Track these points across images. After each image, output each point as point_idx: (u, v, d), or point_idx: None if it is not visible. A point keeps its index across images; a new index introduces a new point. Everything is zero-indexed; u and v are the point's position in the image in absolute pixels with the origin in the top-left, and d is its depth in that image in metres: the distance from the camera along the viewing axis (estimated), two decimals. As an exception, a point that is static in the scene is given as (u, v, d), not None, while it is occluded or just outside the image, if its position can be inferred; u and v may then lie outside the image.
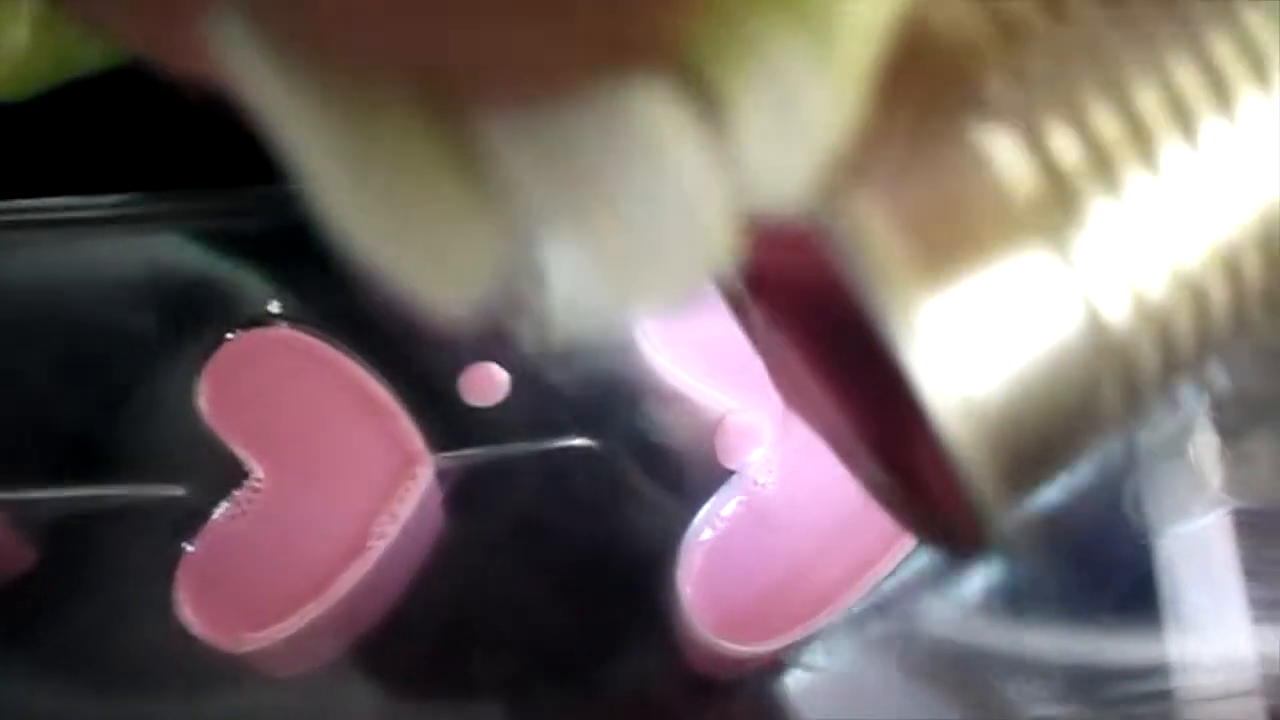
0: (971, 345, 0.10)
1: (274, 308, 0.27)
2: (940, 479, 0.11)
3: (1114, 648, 0.27)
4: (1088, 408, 0.11)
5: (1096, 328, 0.10)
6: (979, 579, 0.27)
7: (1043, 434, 0.11)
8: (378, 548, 0.25)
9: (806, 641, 0.25)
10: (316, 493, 0.26)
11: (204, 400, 0.26)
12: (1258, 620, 0.28)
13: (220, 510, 0.25)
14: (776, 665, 0.25)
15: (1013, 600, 0.27)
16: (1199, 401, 0.28)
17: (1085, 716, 0.26)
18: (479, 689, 0.26)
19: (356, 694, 0.26)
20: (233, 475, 0.25)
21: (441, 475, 0.26)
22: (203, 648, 0.24)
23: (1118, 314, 0.11)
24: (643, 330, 0.27)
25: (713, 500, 0.26)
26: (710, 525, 0.25)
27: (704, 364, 0.27)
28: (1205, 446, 0.29)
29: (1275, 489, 0.28)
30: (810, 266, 0.11)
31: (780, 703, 0.26)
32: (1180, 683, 0.27)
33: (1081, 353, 0.10)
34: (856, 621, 0.26)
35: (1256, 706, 0.28)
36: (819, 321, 0.13)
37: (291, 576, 0.25)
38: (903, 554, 0.26)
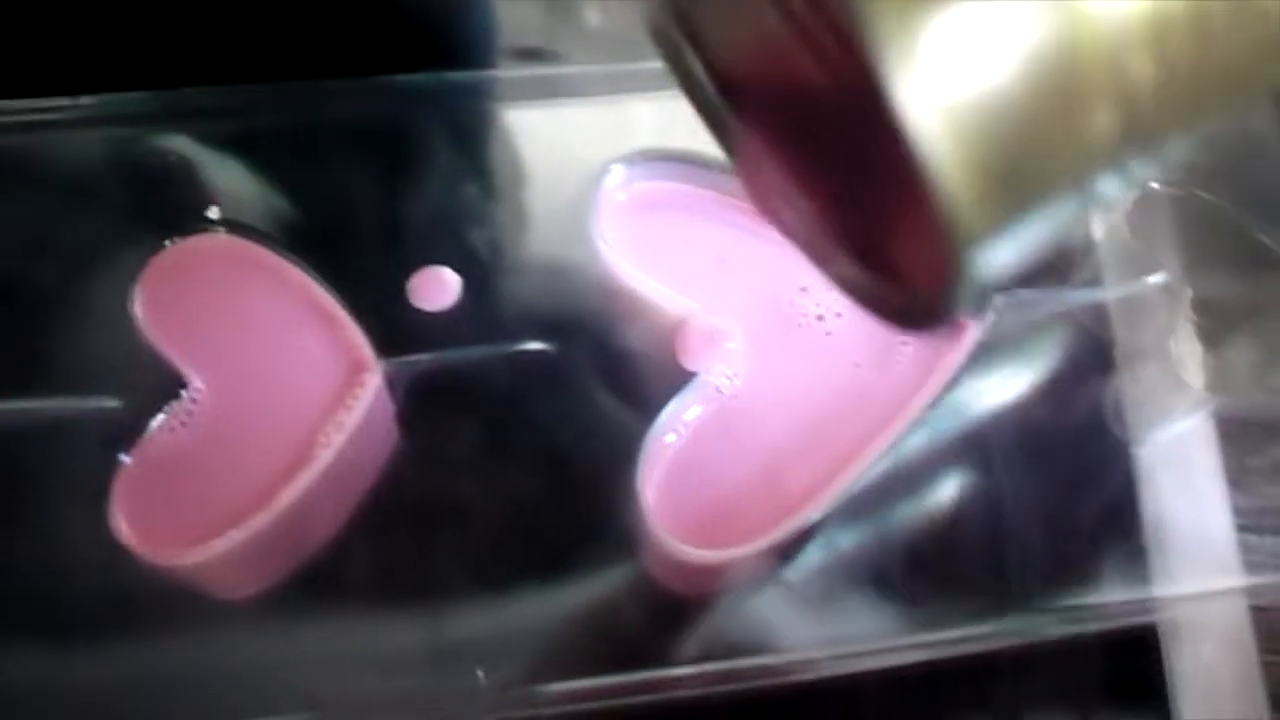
0: (949, 52, 0.09)
1: (213, 213, 0.26)
2: (915, 249, 0.10)
3: (1095, 557, 0.26)
4: (1070, 128, 0.10)
5: (1083, 26, 0.09)
6: (955, 485, 0.26)
7: (1023, 152, 0.10)
8: (323, 458, 0.24)
9: (773, 551, 0.24)
10: (258, 403, 0.24)
11: (140, 309, 0.25)
12: (1241, 530, 0.27)
13: (157, 422, 0.24)
14: (745, 580, 0.24)
15: (991, 509, 0.26)
16: (1178, 299, 0.27)
17: (1066, 627, 0.25)
18: (438, 604, 0.25)
19: (310, 612, 0.25)
20: (170, 386, 0.24)
21: (392, 383, 0.25)
22: (141, 566, 0.23)
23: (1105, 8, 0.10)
24: (599, 230, 0.26)
25: (674, 404, 0.24)
26: (673, 430, 0.24)
27: (664, 265, 0.26)
28: (1186, 353, 0.28)
29: (1256, 395, 0.28)
30: (788, 71, 0.11)
31: (750, 618, 0.25)
32: (1162, 593, 0.26)
33: (1066, 60, 0.09)
34: (826, 531, 0.25)
35: (1239, 613, 0.27)
36: (796, 122, 0.13)
37: (232, 489, 0.24)
38: (874, 458, 0.25)
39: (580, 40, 0.30)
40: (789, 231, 0.15)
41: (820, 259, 0.14)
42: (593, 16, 0.33)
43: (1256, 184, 0.30)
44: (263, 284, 0.25)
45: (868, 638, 0.24)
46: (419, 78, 0.26)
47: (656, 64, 0.26)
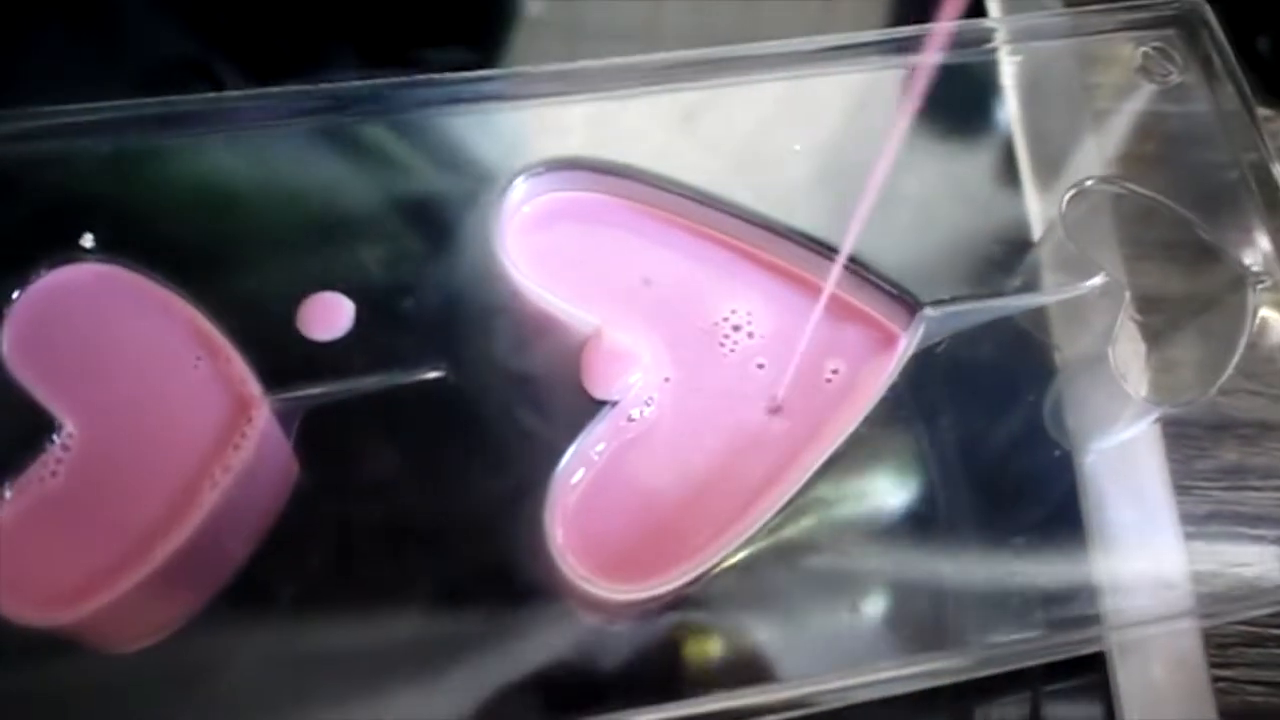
0: None
1: (87, 242, 0.24)
2: None
3: (1037, 571, 0.25)
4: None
5: None
6: (889, 503, 0.25)
7: None
8: (208, 502, 0.22)
9: (692, 584, 0.23)
10: (138, 446, 0.23)
11: (5, 346, 0.23)
12: (1190, 538, 0.26)
13: (27, 471, 0.22)
14: (663, 609, 0.23)
15: (927, 524, 0.25)
16: (1119, 300, 0.26)
17: (1008, 642, 0.24)
18: (343, 647, 0.23)
19: (207, 658, 0.23)
20: (40, 430, 0.23)
21: (284, 418, 0.23)
22: (15, 626, 0.22)
23: None
24: (503, 247, 0.24)
25: (585, 435, 0.23)
26: (583, 463, 0.23)
27: (574, 283, 0.24)
28: (1129, 355, 0.27)
29: (1202, 395, 0.27)
30: None
31: (671, 647, 0.24)
32: (1108, 606, 0.25)
33: None
34: (750, 558, 0.23)
35: (1188, 628, 0.26)
36: None
37: (112, 539, 0.22)
38: (796, 485, 0.23)
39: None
40: None
41: None
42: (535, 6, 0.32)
43: (1199, 172, 0.29)
44: (141, 317, 0.24)
45: (792, 677, 0.23)
46: (306, 89, 0.24)
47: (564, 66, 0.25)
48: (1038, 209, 0.28)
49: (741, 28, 0.28)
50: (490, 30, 0.28)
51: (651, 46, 0.28)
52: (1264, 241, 0.27)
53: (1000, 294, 0.26)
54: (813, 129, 0.27)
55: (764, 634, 0.23)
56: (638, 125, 0.27)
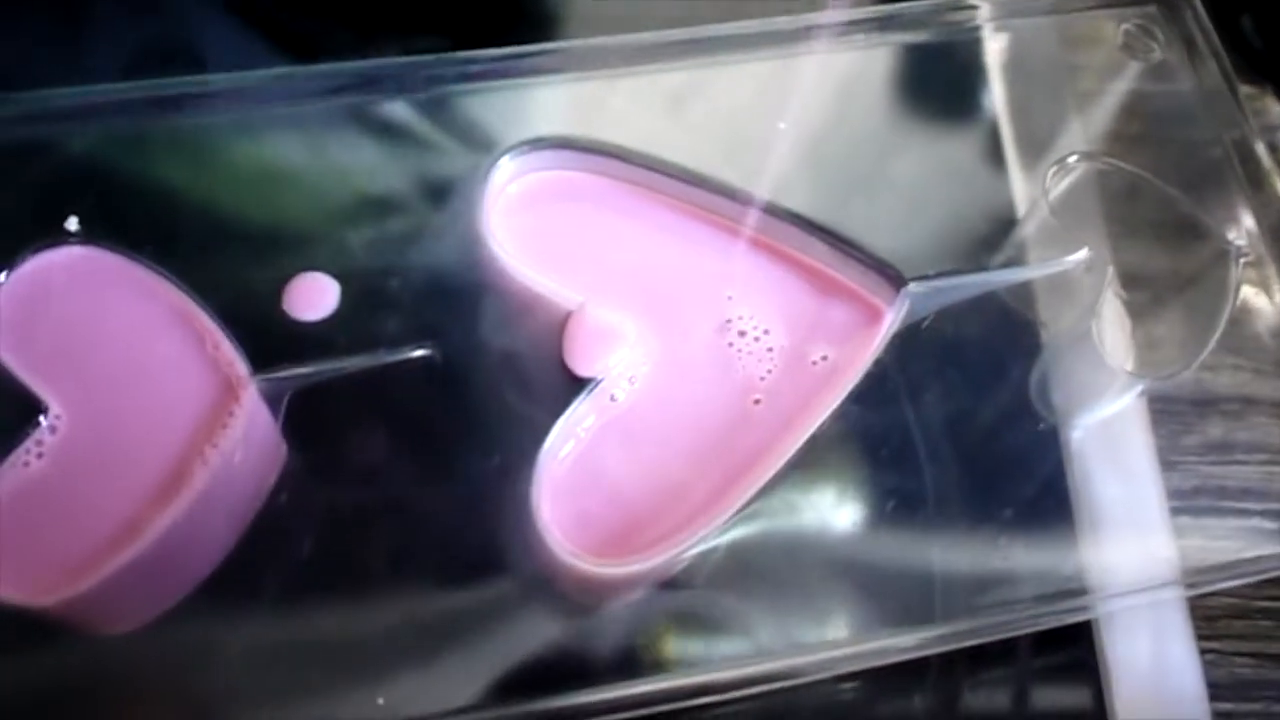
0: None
1: (72, 225, 0.24)
2: None
3: (1023, 544, 0.25)
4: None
5: None
6: (875, 479, 0.25)
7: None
8: (196, 484, 0.22)
9: (680, 561, 0.23)
10: (124, 428, 0.23)
11: (-9, 330, 0.23)
12: (1176, 513, 0.26)
13: (14, 454, 0.22)
14: (648, 586, 0.23)
15: (914, 499, 0.25)
16: (1103, 276, 0.26)
17: (994, 612, 0.24)
18: (333, 626, 0.23)
19: (198, 639, 0.23)
20: (25, 414, 0.22)
21: (271, 399, 0.23)
22: (4, 608, 0.22)
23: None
24: (488, 227, 0.24)
25: (570, 411, 0.23)
26: (568, 440, 0.23)
27: (560, 262, 0.24)
28: (1114, 330, 0.27)
29: (1187, 371, 0.27)
30: None
31: (659, 633, 0.24)
32: (1094, 578, 0.25)
33: None
34: (736, 535, 0.23)
35: (1175, 600, 0.26)
36: None
37: (99, 521, 0.22)
38: (782, 462, 0.23)
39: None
40: None
41: None
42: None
43: (1183, 149, 0.29)
44: (126, 299, 0.24)
45: (783, 651, 0.23)
46: (288, 72, 0.24)
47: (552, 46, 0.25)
48: (1022, 186, 0.28)
49: (729, 9, 0.28)
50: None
51: (637, 28, 0.28)
52: (1247, 218, 0.28)
53: (984, 269, 0.26)
54: (798, 107, 0.28)
55: (749, 609, 0.23)
56: (623, 105, 0.27)
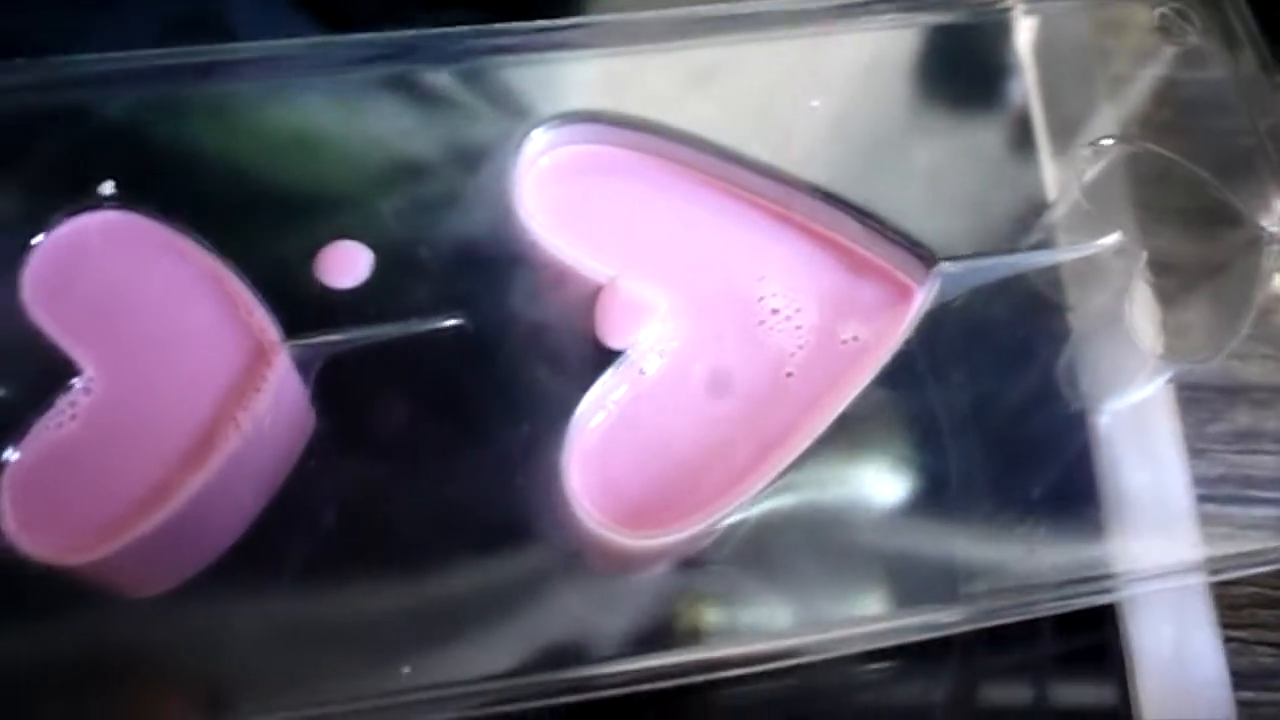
0: None
1: (107, 189, 0.24)
2: None
3: (1049, 530, 0.25)
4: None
5: None
6: (903, 459, 0.25)
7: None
8: (226, 448, 0.22)
9: (706, 535, 0.23)
10: (156, 391, 0.23)
11: (27, 292, 0.23)
12: (1202, 500, 0.26)
13: (47, 413, 0.22)
14: (678, 561, 0.23)
15: (941, 479, 0.25)
16: (1134, 261, 0.26)
17: (1021, 601, 0.24)
18: (360, 594, 0.24)
19: (225, 605, 0.23)
20: (60, 375, 0.23)
21: (302, 365, 0.23)
22: (35, 567, 0.22)
23: None
24: (520, 199, 0.24)
25: (601, 382, 0.23)
26: (598, 411, 0.23)
27: (591, 234, 0.24)
28: (1143, 316, 0.27)
29: (1215, 358, 0.27)
30: None
31: (685, 606, 0.24)
32: (1119, 563, 0.25)
33: None
34: (762, 510, 0.23)
35: (1199, 587, 0.26)
36: None
37: (130, 483, 0.22)
38: (810, 440, 0.23)
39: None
40: None
41: None
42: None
43: (1215, 137, 0.28)
44: (160, 264, 0.24)
45: (810, 626, 0.23)
46: (314, 41, 0.25)
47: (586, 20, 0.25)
48: (1052, 170, 0.28)
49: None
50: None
51: (669, 4, 0.28)
52: (1279, 205, 0.27)
53: (1016, 251, 0.26)
54: (830, 86, 0.28)
55: (773, 584, 0.23)
56: (655, 80, 0.27)
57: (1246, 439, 0.27)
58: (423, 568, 0.23)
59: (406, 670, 0.23)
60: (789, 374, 0.24)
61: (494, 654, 0.23)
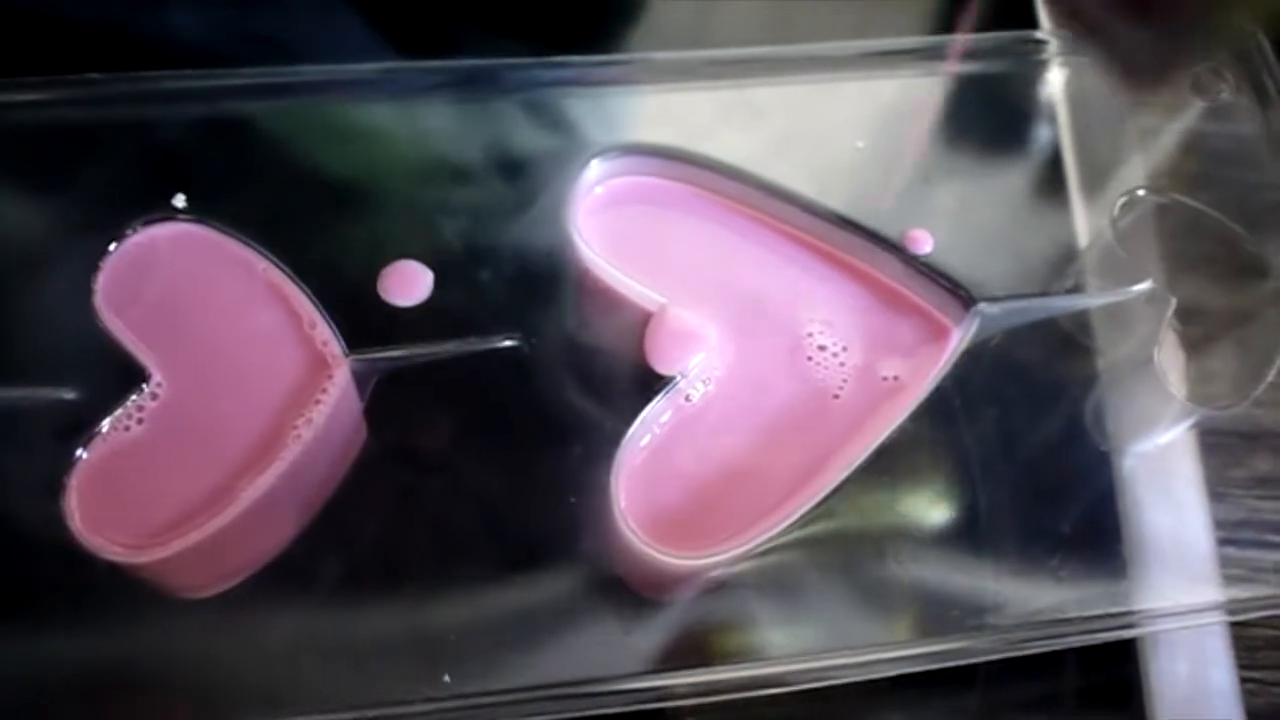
0: None
1: (179, 202, 0.25)
2: None
3: (1074, 568, 0.26)
4: None
5: None
6: (934, 494, 0.26)
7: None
8: (287, 456, 0.23)
9: (747, 556, 0.23)
10: (220, 398, 0.24)
11: (100, 299, 0.24)
12: (1222, 543, 0.27)
13: (115, 416, 0.23)
14: (716, 583, 0.24)
15: (969, 519, 0.26)
16: (1162, 308, 0.27)
17: (1041, 636, 0.25)
18: (404, 605, 0.24)
19: (273, 611, 0.24)
20: (129, 379, 0.23)
21: (360, 379, 0.24)
22: (98, 562, 0.22)
23: None
24: (576, 226, 0.25)
25: (649, 408, 0.24)
26: (647, 433, 0.24)
27: (642, 263, 0.25)
28: (1169, 362, 0.27)
29: (1239, 406, 0.27)
30: None
31: (722, 626, 0.24)
32: (1139, 604, 0.26)
33: None
34: (799, 538, 0.24)
35: (1217, 628, 0.27)
36: None
37: (192, 486, 0.23)
38: (847, 471, 0.24)
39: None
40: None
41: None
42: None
43: (1243, 190, 0.29)
44: (228, 276, 0.25)
45: (841, 649, 0.24)
46: (385, 67, 0.26)
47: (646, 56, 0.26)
48: (1084, 217, 0.29)
49: (811, 30, 0.29)
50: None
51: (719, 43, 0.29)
52: (1305, 260, 0.28)
53: (1048, 294, 0.27)
54: (874, 129, 0.28)
55: (804, 608, 0.24)
56: (707, 116, 0.28)
57: (1267, 484, 0.28)
58: (464, 580, 0.24)
59: (446, 679, 0.23)
60: (830, 408, 0.25)
61: (532, 666, 0.23)
